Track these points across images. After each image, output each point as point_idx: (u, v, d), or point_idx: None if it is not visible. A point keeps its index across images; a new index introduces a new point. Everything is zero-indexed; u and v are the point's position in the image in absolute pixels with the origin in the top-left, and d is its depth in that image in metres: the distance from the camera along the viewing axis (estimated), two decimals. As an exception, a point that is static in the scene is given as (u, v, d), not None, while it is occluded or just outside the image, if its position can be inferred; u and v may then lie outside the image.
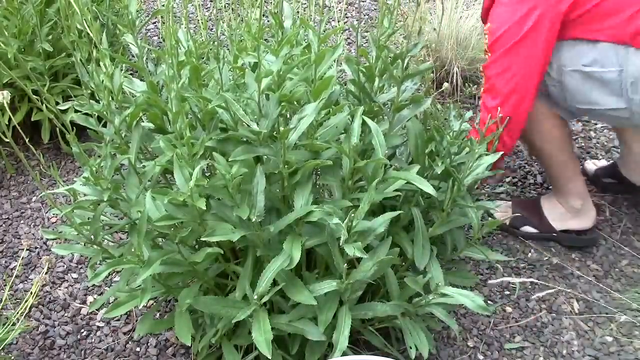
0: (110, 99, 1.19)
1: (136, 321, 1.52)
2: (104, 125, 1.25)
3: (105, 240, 1.31)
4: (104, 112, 1.19)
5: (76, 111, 1.21)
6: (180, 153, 1.06)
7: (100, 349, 1.47)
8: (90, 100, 1.20)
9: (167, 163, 1.10)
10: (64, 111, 1.21)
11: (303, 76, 1.15)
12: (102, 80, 1.18)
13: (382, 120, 1.27)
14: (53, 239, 1.70)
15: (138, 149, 1.21)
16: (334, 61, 1.18)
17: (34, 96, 1.19)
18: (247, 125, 1.08)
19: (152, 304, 1.50)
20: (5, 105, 1.08)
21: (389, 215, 1.13)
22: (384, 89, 1.27)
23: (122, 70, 1.22)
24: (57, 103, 1.84)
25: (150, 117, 1.23)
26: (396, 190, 1.12)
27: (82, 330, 1.52)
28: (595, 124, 2.18)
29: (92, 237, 1.17)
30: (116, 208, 1.18)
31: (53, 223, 1.80)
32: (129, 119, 1.21)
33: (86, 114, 1.21)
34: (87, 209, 1.18)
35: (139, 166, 1.22)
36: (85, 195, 1.15)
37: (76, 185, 1.14)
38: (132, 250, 1.08)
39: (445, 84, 1.62)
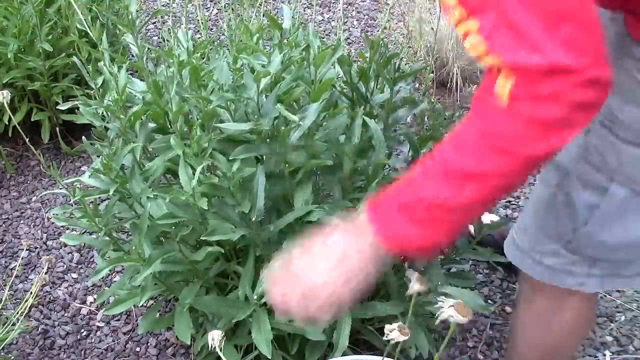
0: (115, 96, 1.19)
1: (136, 321, 1.52)
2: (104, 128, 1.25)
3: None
4: (113, 109, 1.19)
5: (72, 111, 1.21)
6: (188, 152, 1.06)
7: (100, 349, 1.47)
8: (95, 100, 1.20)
9: (171, 160, 1.10)
10: (64, 111, 1.21)
11: (295, 75, 1.14)
12: (111, 79, 1.17)
13: (378, 122, 1.27)
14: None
15: (142, 148, 1.21)
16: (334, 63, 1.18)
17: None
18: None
19: (152, 304, 1.50)
20: (5, 105, 1.08)
21: (389, 215, 1.13)
22: (379, 90, 1.26)
23: (127, 70, 1.23)
24: (57, 103, 1.85)
25: (153, 115, 1.23)
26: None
27: (82, 330, 1.52)
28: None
29: (104, 227, 1.16)
30: (123, 200, 1.18)
31: (53, 223, 1.80)
32: (132, 118, 1.21)
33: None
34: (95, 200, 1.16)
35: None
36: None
37: (84, 178, 1.13)
38: (134, 248, 1.08)
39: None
